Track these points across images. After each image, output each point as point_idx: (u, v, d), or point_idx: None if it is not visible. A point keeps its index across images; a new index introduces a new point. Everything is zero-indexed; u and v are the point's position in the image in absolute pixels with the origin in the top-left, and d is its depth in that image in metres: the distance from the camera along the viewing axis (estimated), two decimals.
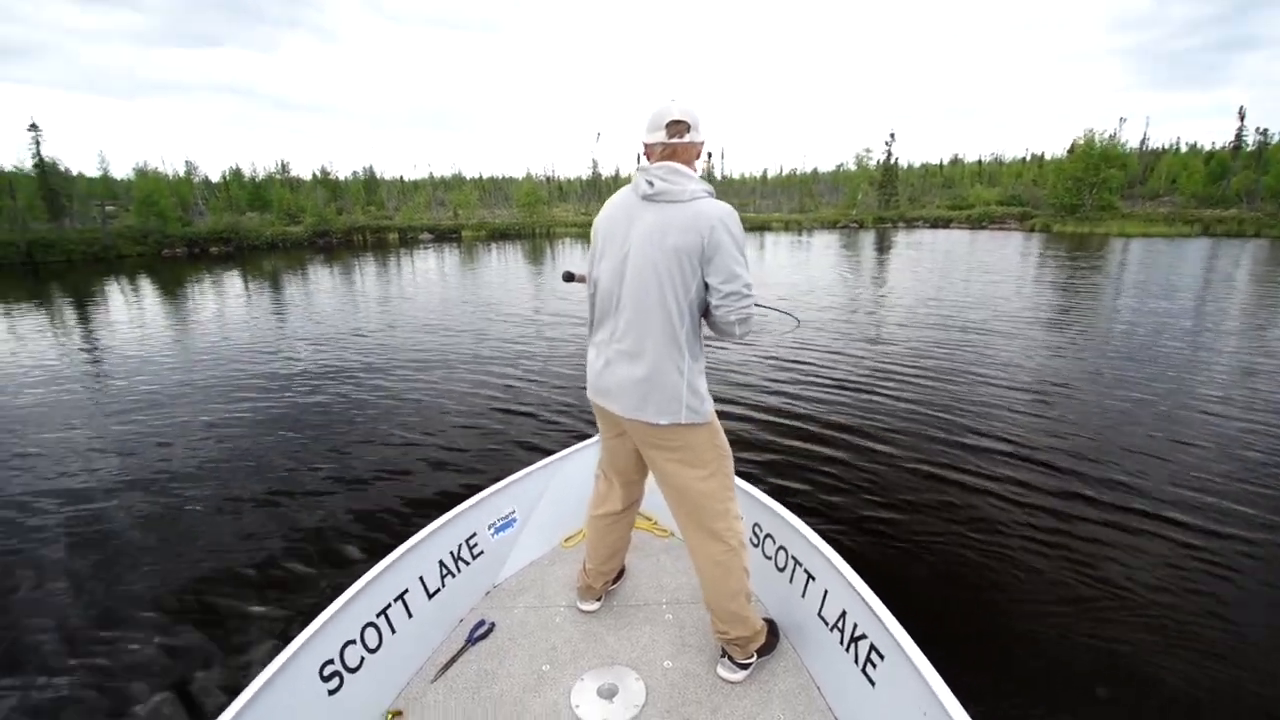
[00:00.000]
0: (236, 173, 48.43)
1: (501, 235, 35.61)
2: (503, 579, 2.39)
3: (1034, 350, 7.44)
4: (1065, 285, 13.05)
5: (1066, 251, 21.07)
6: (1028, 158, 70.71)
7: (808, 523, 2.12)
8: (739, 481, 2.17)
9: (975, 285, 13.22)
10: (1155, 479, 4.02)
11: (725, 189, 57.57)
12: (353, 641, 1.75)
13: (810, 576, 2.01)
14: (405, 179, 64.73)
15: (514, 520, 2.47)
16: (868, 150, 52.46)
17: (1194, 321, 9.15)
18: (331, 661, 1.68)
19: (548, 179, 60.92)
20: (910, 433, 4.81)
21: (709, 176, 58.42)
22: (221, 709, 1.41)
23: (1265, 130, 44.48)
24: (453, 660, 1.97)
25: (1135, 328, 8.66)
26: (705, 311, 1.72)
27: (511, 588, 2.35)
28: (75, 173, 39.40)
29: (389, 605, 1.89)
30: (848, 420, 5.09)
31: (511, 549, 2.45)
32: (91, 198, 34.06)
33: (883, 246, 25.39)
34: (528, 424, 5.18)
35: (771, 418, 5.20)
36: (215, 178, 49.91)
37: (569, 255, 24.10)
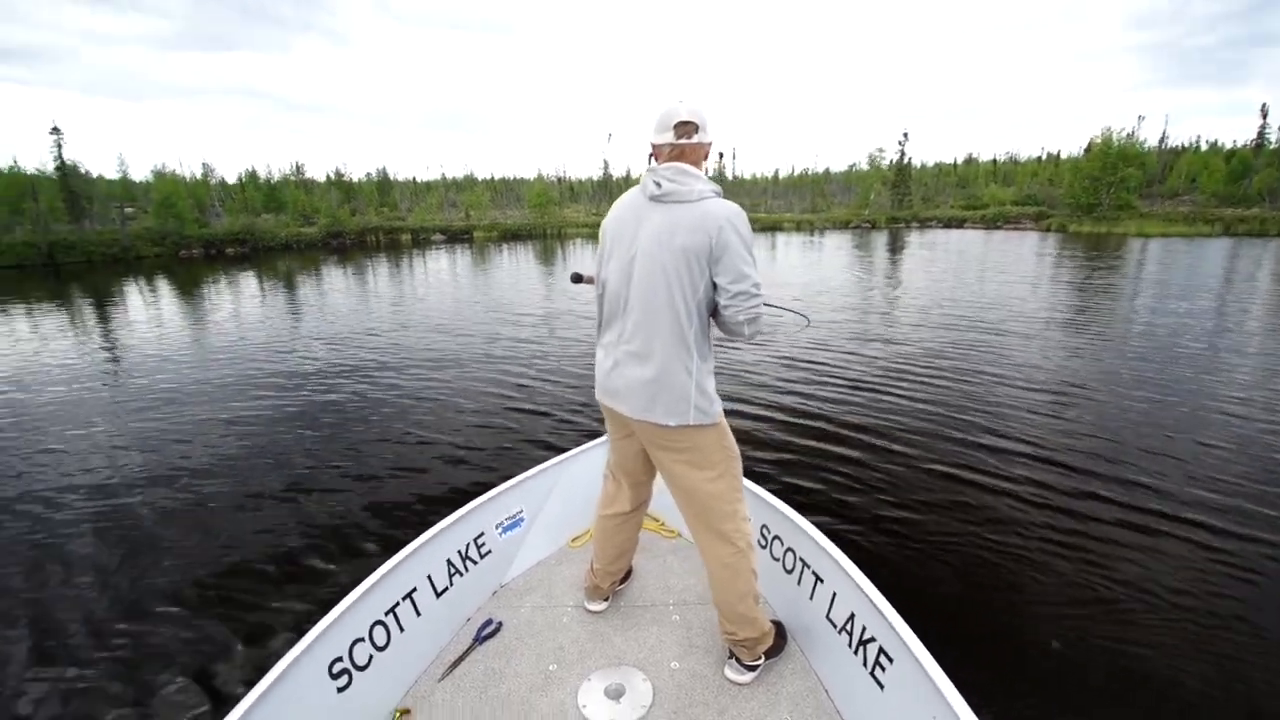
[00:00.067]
0: (252, 175, 49.10)
1: (513, 236, 35.75)
2: (510, 578, 2.39)
3: (1051, 351, 7.35)
4: (1082, 285, 12.87)
5: (1083, 251, 20.79)
6: (1043, 157, 69.93)
7: (818, 523, 2.11)
8: (747, 483, 2.16)
9: (990, 285, 13.08)
10: (1175, 480, 3.95)
11: (737, 189, 57.47)
12: (361, 639, 1.76)
13: (819, 579, 2.00)
14: (418, 180, 65.24)
15: (522, 520, 2.48)
16: (881, 150, 52.05)
17: (1214, 322, 8.99)
18: (340, 659, 1.69)
19: (559, 180, 61.09)
20: (923, 432, 4.77)
21: (720, 176, 58.29)
22: (239, 698, 1.43)
23: None
24: (460, 659, 1.98)
25: (1154, 328, 8.52)
26: (714, 312, 1.71)
27: (519, 587, 2.35)
28: (95, 175, 40.10)
29: (397, 604, 1.90)
30: (860, 420, 5.05)
31: (519, 548, 2.46)
32: (111, 200, 34.60)
33: (896, 247, 25.19)
34: (542, 423, 5.21)
35: (783, 417, 5.18)
36: (231, 179, 50.66)
37: (580, 256, 24.15)
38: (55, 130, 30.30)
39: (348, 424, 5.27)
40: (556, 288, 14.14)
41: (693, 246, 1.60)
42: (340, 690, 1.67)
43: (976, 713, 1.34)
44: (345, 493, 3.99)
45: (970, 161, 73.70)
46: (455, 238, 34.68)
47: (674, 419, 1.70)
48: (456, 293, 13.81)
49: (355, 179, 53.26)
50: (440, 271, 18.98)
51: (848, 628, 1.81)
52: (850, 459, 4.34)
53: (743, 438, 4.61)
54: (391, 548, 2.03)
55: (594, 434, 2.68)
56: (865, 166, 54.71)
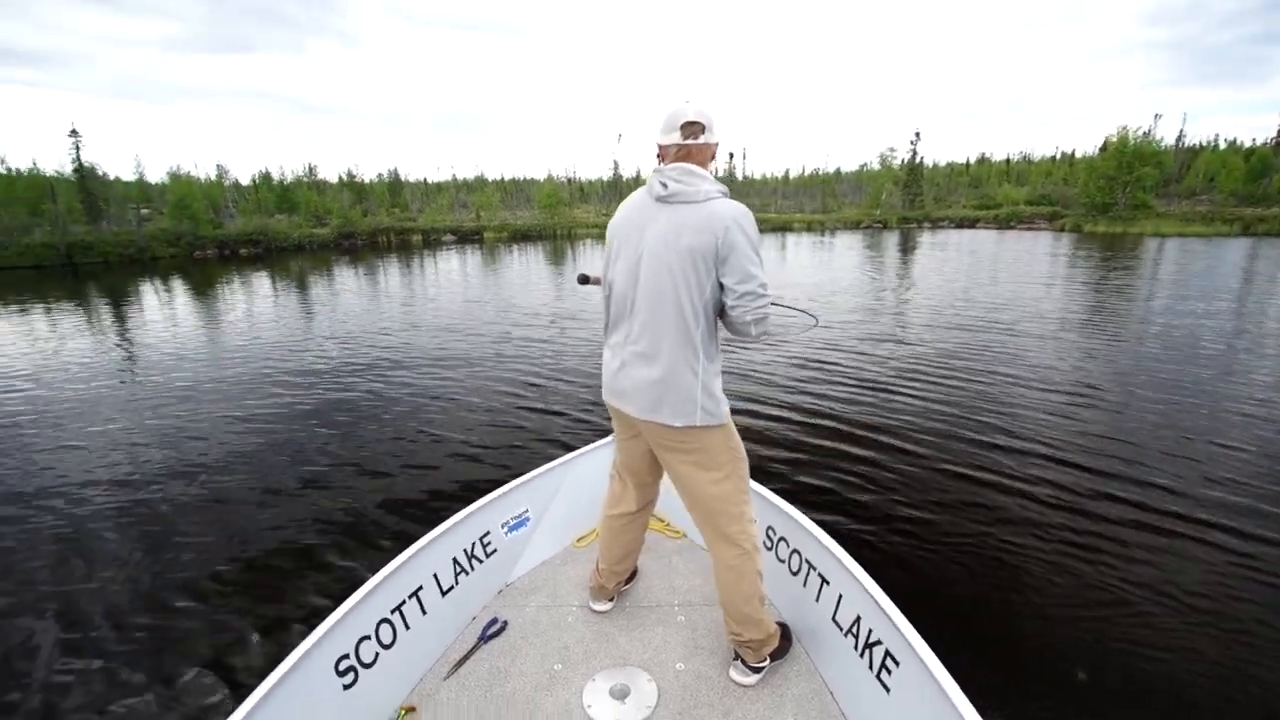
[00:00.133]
0: (265, 176, 49.61)
1: (523, 236, 35.86)
2: (515, 577, 2.40)
3: (1065, 352, 7.27)
4: (1097, 286, 12.73)
5: (1098, 252, 20.55)
6: (1058, 156, 69.19)
7: (827, 524, 2.10)
8: (753, 484, 2.16)
9: (1003, 285, 12.96)
10: (1192, 482, 3.90)
11: (747, 189, 57.28)
12: (367, 637, 1.77)
13: (824, 581, 1.99)
14: (429, 181, 65.53)
15: (527, 519, 2.48)
16: (892, 149, 51.71)
17: (1232, 323, 8.86)
18: (347, 656, 1.70)
19: (569, 180, 61.16)
20: (933, 433, 4.74)
21: (730, 177, 58.12)
22: (253, 687, 1.45)
23: None
24: (466, 657, 1.98)
25: (1170, 329, 8.41)
26: (721, 312, 1.71)
27: (524, 586, 2.36)
28: (112, 177, 40.65)
29: (403, 602, 1.91)
30: (869, 420, 5.03)
31: (525, 548, 2.46)
32: (127, 201, 35.07)
33: (907, 247, 25.03)
34: (554, 422, 5.24)
35: (793, 416, 5.16)
36: (245, 181, 51.18)
37: (589, 256, 24.19)
38: (74, 133, 30.81)
39: (361, 422, 5.33)
40: (566, 288, 14.18)
41: (699, 247, 1.60)
42: (346, 688, 1.68)
43: (985, 716, 1.33)
44: (359, 489, 4.04)
45: (983, 161, 73.03)
46: (466, 238, 34.84)
47: (680, 420, 1.70)
48: (467, 293, 13.88)
49: (367, 180, 53.60)
50: (451, 272, 19.09)
51: (854, 630, 1.80)
52: (859, 459, 4.32)
53: (751, 438, 4.68)
54: (404, 542, 2.05)
55: (605, 433, 2.69)
56: (876, 166, 54.43)
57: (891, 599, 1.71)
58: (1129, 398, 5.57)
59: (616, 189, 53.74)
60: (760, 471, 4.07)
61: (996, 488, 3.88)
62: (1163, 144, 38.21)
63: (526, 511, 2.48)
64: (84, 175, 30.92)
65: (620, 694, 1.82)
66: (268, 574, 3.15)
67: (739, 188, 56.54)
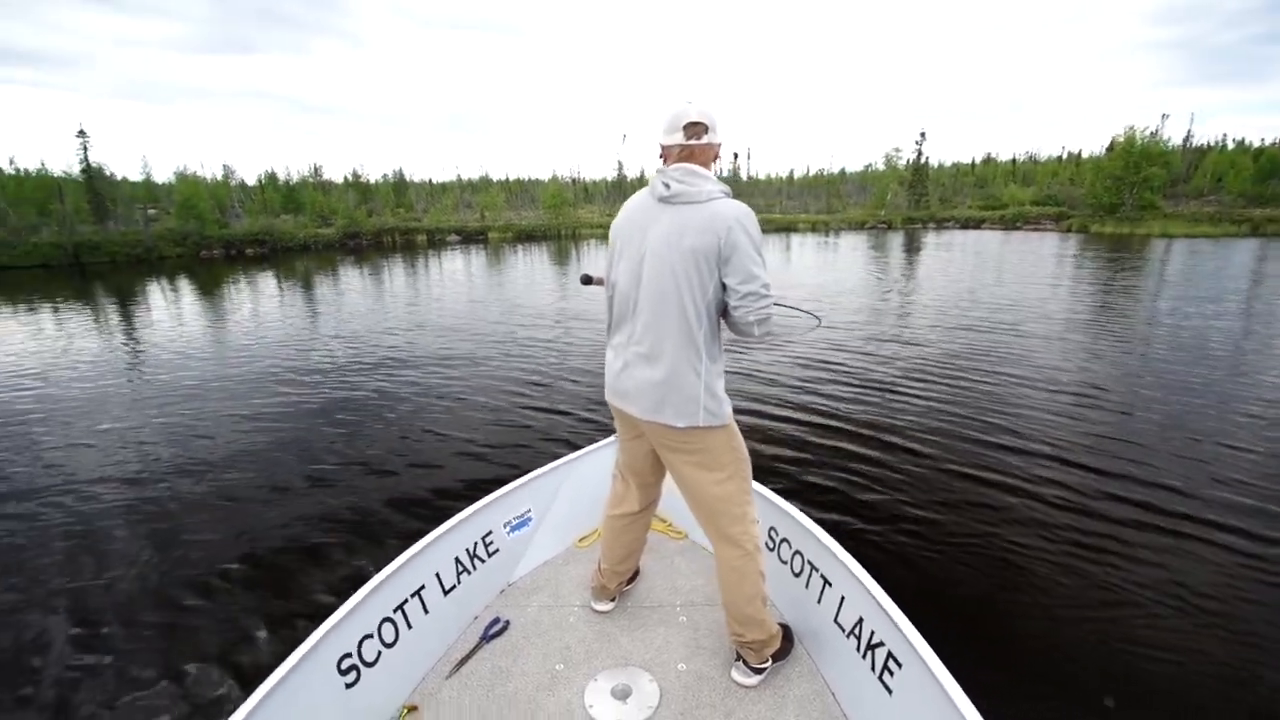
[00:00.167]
0: (271, 176, 49.81)
1: (527, 236, 35.89)
2: (517, 577, 2.40)
3: (1071, 352, 7.24)
4: (1104, 286, 12.66)
5: (1105, 252, 20.45)
6: (1064, 156, 68.80)
7: (830, 524, 2.10)
8: (755, 485, 2.15)
9: (1009, 286, 12.90)
10: (1200, 484, 3.88)
11: (751, 189, 57.19)
12: (370, 636, 1.77)
13: (827, 582, 1.98)
14: (433, 181, 65.74)
15: (529, 519, 2.49)
16: (897, 150, 51.49)
17: (1240, 324, 8.80)
18: (349, 655, 1.70)
19: (573, 181, 61.20)
20: (938, 432, 4.73)
21: (734, 177, 58.06)
22: (260, 681, 1.46)
23: None
24: (468, 657, 1.99)
25: (1178, 330, 8.36)
26: (724, 313, 1.71)
27: (526, 586, 2.36)
28: (120, 177, 40.89)
29: (406, 601, 1.92)
30: (874, 421, 5.01)
31: (527, 547, 2.47)
32: (134, 201, 35.21)
33: (912, 247, 24.95)
34: (560, 421, 5.25)
35: (797, 416, 5.16)
36: (251, 181, 51.41)
37: (594, 256, 24.20)
38: (81, 133, 31.01)
39: (367, 420, 5.35)
40: (570, 288, 14.19)
41: (702, 247, 1.60)
42: (349, 686, 1.68)
43: (988, 718, 1.32)
44: (365, 487, 4.07)
45: (989, 161, 72.74)
46: (470, 238, 34.90)
47: (683, 420, 1.70)
48: (472, 293, 13.90)
49: (372, 180, 53.79)
50: (455, 272, 19.12)
51: (856, 632, 1.80)
52: (863, 458, 4.32)
53: (755, 438, 4.68)
54: (410, 540, 2.06)
55: (609, 432, 2.70)
56: (881, 166, 54.24)
57: (894, 600, 1.71)
58: (1136, 399, 5.54)
59: (621, 189, 53.77)
60: (764, 471, 4.10)
61: (1002, 488, 3.87)
62: (1170, 144, 38.03)
63: (529, 511, 2.49)
64: (91, 175, 31.12)
65: (622, 694, 1.83)
66: (275, 570, 3.17)
67: (743, 188, 56.47)
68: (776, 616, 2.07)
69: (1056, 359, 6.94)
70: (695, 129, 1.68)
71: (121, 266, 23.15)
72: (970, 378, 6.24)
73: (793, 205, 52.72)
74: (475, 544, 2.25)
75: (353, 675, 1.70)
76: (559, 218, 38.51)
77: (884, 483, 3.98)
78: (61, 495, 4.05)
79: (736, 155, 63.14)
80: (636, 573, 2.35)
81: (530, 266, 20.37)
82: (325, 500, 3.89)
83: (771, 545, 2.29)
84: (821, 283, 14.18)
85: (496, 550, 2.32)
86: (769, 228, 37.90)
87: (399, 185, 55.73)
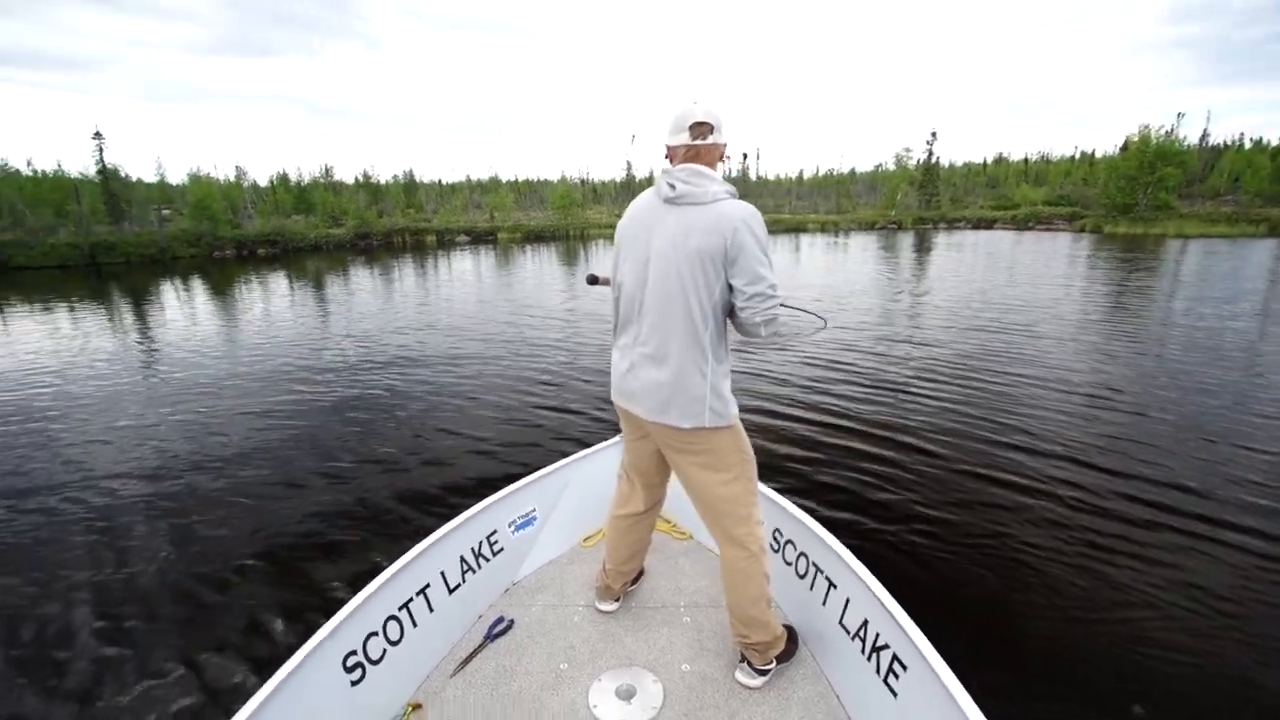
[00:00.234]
0: (283, 177, 50.26)
1: (536, 237, 36.01)
2: (522, 576, 2.41)
3: (1084, 353, 7.16)
4: (1118, 287, 12.53)
5: (1119, 253, 20.24)
6: (1077, 156, 68.17)
7: (838, 524, 2.09)
8: (760, 486, 2.15)
9: (1021, 287, 12.79)
10: (1216, 485, 3.83)
11: (760, 189, 57.05)
12: (375, 634, 1.78)
13: (832, 584, 1.98)
14: (443, 182, 66.10)
15: (534, 518, 2.49)
16: (908, 150, 51.21)
17: (1258, 324, 8.68)
18: (355, 653, 1.71)
19: (582, 181, 61.37)
20: (947, 432, 4.69)
21: (744, 177, 57.93)
22: (274, 672, 1.48)
23: None
24: (472, 655, 1.99)
25: (1193, 331, 8.25)
26: (731, 313, 1.71)
27: (530, 585, 2.37)
28: (135, 178, 41.35)
29: (411, 599, 1.93)
30: (882, 420, 4.98)
31: (531, 547, 2.47)
32: (149, 202, 35.59)
33: (922, 248, 24.80)
34: (574, 421, 5.26)
35: (807, 415, 5.14)
36: (263, 182, 51.85)
37: (602, 256, 24.23)
38: (97, 135, 31.41)
39: (378, 419, 5.40)
40: (579, 288, 14.22)
41: (708, 248, 1.60)
42: (354, 684, 1.69)
43: None
44: (377, 483, 4.11)
45: (1000, 161, 72.18)
46: (479, 239, 35.05)
47: (689, 421, 1.70)
48: (481, 293, 13.96)
49: (382, 181, 54.07)
50: (465, 272, 19.21)
51: (861, 634, 1.79)
52: (874, 459, 4.30)
53: (763, 439, 4.67)
54: (422, 536, 2.08)
55: (617, 432, 2.72)
56: (892, 167, 53.97)
57: (900, 602, 1.70)
58: (1151, 400, 5.47)
59: (629, 190, 53.79)
60: (775, 470, 4.11)
61: (1014, 488, 3.84)
62: (1186, 143, 37.54)
63: (534, 511, 2.49)
64: (107, 177, 31.50)
65: (626, 694, 1.83)
66: (290, 565, 3.22)
67: (752, 188, 56.33)
68: (781, 618, 2.06)
69: (1070, 360, 6.87)
70: (701, 129, 1.68)
71: (136, 267, 23.45)
72: (982, 378, 6.19)
73: (802, 205, 52.57)
74: (480, 543, 2.25)
75: (358, 673, 1.71)
76: (568, 218, 38.61)
77: (895, 482, 3.96)
78: (81, 491, 4.12)
79: (746, 155, 63.05)
80: (641, 573, 2.35)
81: (539, 267, 20.43)
82: (339, 497, 3.93)
83: (776, 547, 2.28)
84: (831, 283, 14.12)
85: (501, 549, 2.33)
86: (778, 228, 37.81)
87: (409, 186, 55.99)
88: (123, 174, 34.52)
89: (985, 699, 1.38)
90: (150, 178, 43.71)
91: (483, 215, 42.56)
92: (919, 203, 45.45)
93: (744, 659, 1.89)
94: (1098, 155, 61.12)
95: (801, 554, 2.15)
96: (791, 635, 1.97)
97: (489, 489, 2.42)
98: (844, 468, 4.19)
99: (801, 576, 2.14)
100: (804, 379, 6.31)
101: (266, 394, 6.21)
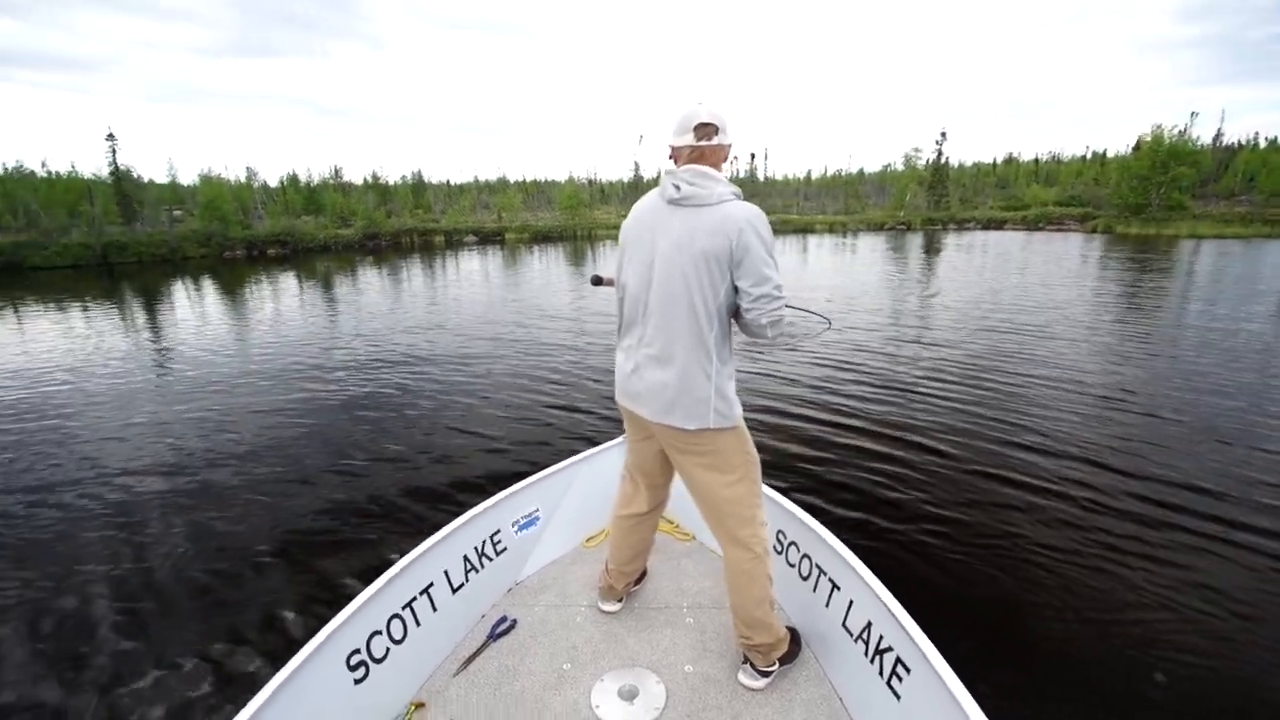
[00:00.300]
0: (293, 178, 50.55)
1: (544, 237, 36.08)
2: (525, 576, 2.41)
3: (1096, 354, 7.11)
4: (1130, 288, 12.41)
5: (1131, 253, 20.05)
6: (1088, 156, 67.56)
7: (845, 523, 2.08)
8: (763, 487, 2.15)
9: (1031, 288, 12.69)
10: (1231, 487, 3.80)
11: (768, 190, 56.93)
12: (379, 632, 1.79)
13: (835, 586, 1.97)
14: (451, 183, 66.34)
15: (537, 518, 2.50)
16: (917, 150, 51.00)
17: (1273, 326, 8.57)
18: (358, 651, 1.72)
19: (589, 182, 61.38)
20: (956, 432, 4.68)
21: (751, 177, 57.82)
22: (285, 660, 1.50)
23: None
24: (475, 655, 2.00)
25: (1206, 332, 8.17)
26: (736, 314, 1.70)
27: (533, 585, 2.37)
28: (147, 179, 41.76)
29: (414, 598, 1.93)
30: (889, 420, 4.97)
31: (534, 547, 2.48)
32: (160, 203, 35.96)
33: (932, 249, 24.65)
34: (585, 420, 5.29)
35: (819, 415, 5.13)
36: (273, 183, 52.21)
37: (609, 257, 24.25)
38: (110, 136, 31.72)
39: (388, 417, 5.44)
40: (587, 288, 14.25)
41: (713, 250, 1.60)
42: (357, 682, 1.70)
43: None
44: (387, 480, 4.16)
45: (1010, 161, 71.66)
46: (487, 239, 35.16)
47: (694, 423, 1.70)
48: (490, 293, 14.01)
49: (391, 182, 54.33)
50: (473, 272, 19.28)
51: (864, 636, 1.78)
52: (883, 458, 4.29)
53: (775, 438, 4.65)
54: (432, 531, 2.09)
55: (622, 431, 2.73)
56: (900, 167, 53.71)
57: (909, 603, 1.69)
58: (1164, 401, 5.42)
59: (637, 190, 53.81)
60: (783, 470, 4.10)
61: (1024, 488, 3.82)
62: (1199, 142, 37.16)
63: (537, 511, 2.50)
64: (120, 178, 31.83)
65: (628, 695, 1.83)
66: (302, 560, 3.27)
67: (760, 189, 56.23)
68: (784, 620, 2.05)
69: (1082, 361, 6.82)
70: (706, 130, 1.68)
71: (148, 266, 23.69)
72: (993, 379, 6.16)
73: (810, 206, 52.42)
74: (484, 542, 2.26)
75: (361, 671, 1.72)
76: (575, 219, 38.68)
77: (906, 482, 3.94)
78: (98, 487, 4.19)
79: (754, 156, 62.92)
80: (644, 574, 2.35)
81: (547, 267, 20.48)
82: (351, 494, 3.98)
83: (780, 548, 2.28)
84: (839, 284, 14.07)
85: (505, 549, 2.34)
86: (786, 229, 37.69)
87: (417, 187, 56.27)
88: (135, 175, 34.94)
89: (997, 699, 1.37)
90: (162, 178, 44.21)
91: (490, 216, 42.72)
92: (928, 203, 45.18)
93: (747, 660, 1.88)
94: (1109, 155, 60.58)
95: (805, 556, 2.14)
96: (794, 637, 1.97)
97: (499, 487, 2.44)
98: (854, 467, 4.18)
99: (805, 578, 2.13)
100: (814, 379, 6.30)
101: (278, 392, 6.27)
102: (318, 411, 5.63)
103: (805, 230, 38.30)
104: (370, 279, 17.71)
